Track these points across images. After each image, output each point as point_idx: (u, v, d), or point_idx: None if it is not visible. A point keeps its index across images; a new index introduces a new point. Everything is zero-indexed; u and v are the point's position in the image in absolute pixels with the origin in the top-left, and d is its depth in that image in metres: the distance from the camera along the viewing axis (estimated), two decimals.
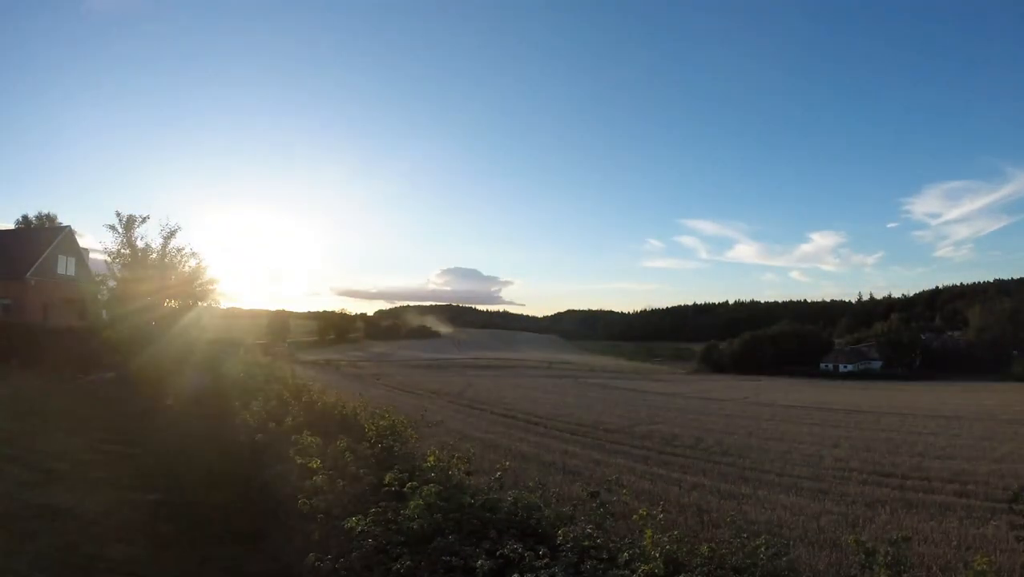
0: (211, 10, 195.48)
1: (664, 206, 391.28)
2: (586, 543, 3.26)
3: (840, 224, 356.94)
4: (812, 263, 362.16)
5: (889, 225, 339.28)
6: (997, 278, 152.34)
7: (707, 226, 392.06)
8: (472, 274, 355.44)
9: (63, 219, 55.66)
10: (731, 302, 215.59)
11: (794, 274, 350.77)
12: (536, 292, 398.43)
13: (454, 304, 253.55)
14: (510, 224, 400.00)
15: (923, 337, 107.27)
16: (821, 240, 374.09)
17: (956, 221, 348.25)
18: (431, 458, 4.70)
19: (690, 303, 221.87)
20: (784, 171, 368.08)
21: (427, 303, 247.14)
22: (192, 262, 22.44)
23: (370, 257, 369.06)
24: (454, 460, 4.81)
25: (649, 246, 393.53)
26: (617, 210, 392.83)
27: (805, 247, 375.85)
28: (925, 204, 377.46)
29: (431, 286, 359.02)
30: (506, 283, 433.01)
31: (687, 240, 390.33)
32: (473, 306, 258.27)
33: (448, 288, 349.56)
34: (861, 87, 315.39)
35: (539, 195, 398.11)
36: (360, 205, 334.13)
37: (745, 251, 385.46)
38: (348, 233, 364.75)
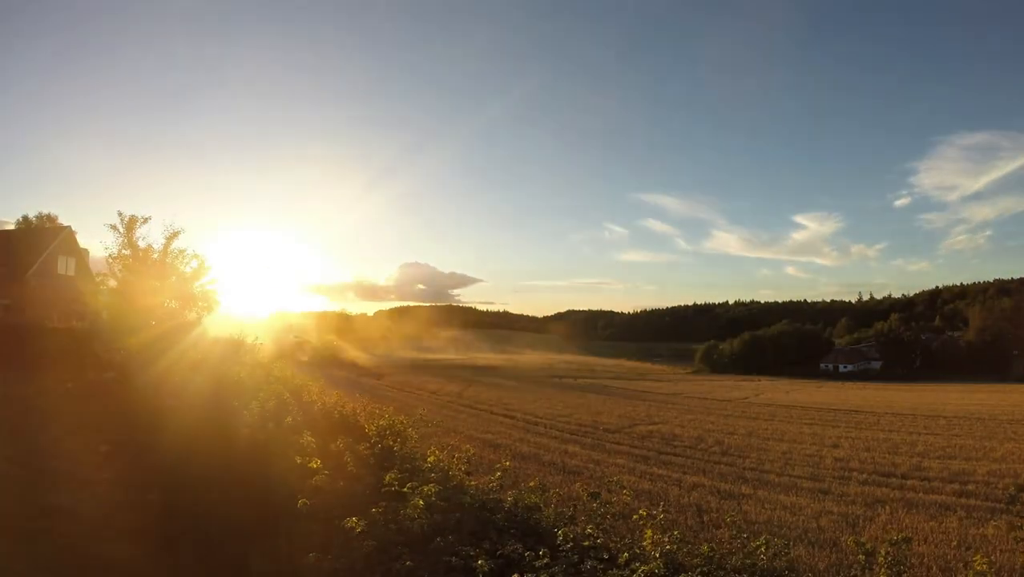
0: (209, 10, 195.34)
1: (618, 178, 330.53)
2: (586, 543, 3.27)
3: (834, 202, 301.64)
4: (808, 255, 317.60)
5: (897, 203, 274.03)
6: (997, 278, 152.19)
7: (672, 203, 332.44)
8: (432, 270, 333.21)
9: (63, 219, 55.62)
10: (731, 302, 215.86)
11: (790, 269, 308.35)
12: (502, 291, 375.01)
13: (456, 304, 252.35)
14: (474, 222, 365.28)
15: (923, 337, 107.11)
16: (815, 225, 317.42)
17: (975, 199, 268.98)
18: (431, 458, 4.71)
19: (690, 303, 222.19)
20: (758, 129, 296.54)
21: (391, 304, 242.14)
22: (194, 263, 22.42)
23: (323, 252, 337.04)
24: (454, 460, 4.82)
25: (611, 233, 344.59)
26: (569, 189, 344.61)
27: (797, 236, 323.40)
28: (937, 172, 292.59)
29: (390, 282, 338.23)
30: (472, 280, 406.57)
31: (655, 225, 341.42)
32: (474, 306, 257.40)
33: (407, 284, 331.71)
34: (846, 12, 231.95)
35: (493, 187, 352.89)
36: (315, 200, 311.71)
37: (727, 240, 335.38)
38: (302, 228, 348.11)
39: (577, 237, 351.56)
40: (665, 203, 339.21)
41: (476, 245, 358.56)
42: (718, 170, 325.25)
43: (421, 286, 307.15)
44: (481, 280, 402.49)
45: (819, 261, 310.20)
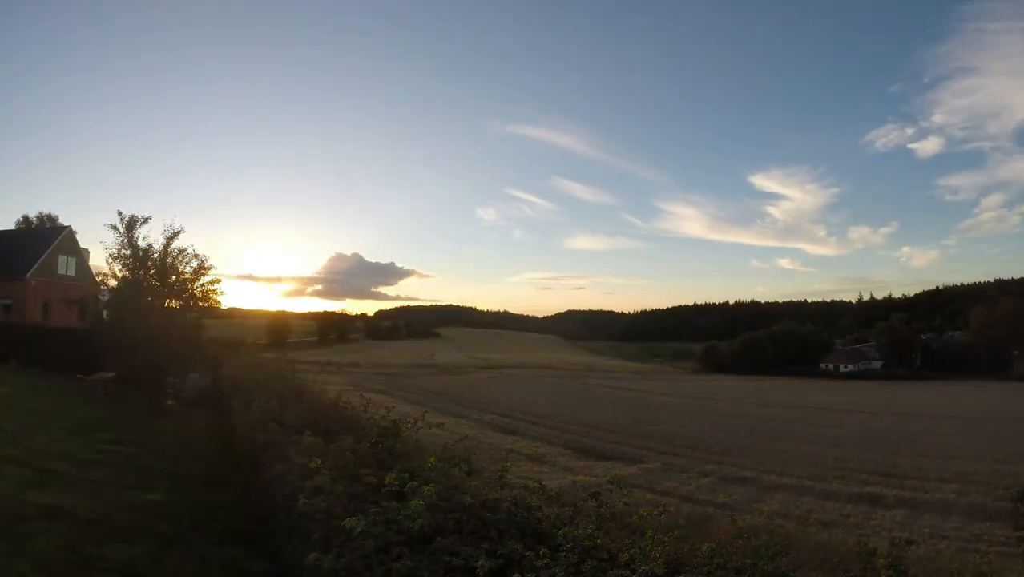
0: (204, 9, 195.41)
1: (489, 108, 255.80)
2: (586, 543, 3.26)
3: (810, 145, 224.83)
4: (796, 240, 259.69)
5: (912, 148, 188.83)
6: (998, 278, 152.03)
7: (573, 144, 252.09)
8: (365, 263, 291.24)
9: (63, 219, 55.79)
10: (731, 302, 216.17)
11: (784, 262, 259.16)
12: (441, 286, 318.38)
13: (440, 303, 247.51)
14: (410, 214, 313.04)
15: (923, 337, 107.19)
16: (797, 194, 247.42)
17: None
18: (431, 458, 4.69)
19: (690, 303, 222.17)
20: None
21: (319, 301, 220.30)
22: (194, 263, 22.44)
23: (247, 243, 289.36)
24: (454, 460, 4.81)
25: (533, 208, 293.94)
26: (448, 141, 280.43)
27: (775, 211, 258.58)
28: (966, 85, 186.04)
29: (317, 274, 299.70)
30: (407, 272, 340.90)
31: (573, 189, 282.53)
32: (474, 306, 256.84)
33: (334, 277, 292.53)
34: None
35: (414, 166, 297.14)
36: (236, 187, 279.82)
37: (685, 216, 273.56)
38: (291, 228, 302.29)
39: (486, 215, 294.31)
40: (566, 143, 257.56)
41: (405, 232, 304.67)
42: (622, 87, 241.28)
43: (346, 278, 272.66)
44: (427, 275, 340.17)
45: (814, 251, 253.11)
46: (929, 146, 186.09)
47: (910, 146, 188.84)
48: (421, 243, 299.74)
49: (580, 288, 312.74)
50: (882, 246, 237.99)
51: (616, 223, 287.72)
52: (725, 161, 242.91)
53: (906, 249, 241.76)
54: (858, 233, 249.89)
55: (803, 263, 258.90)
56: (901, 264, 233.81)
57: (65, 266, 37.35)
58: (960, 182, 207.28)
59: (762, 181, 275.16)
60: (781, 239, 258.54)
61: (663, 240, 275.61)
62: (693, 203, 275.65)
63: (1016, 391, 53.16)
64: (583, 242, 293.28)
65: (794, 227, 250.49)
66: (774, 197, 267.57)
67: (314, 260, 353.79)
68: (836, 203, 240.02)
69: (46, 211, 56.14)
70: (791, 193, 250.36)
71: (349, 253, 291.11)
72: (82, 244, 39.48)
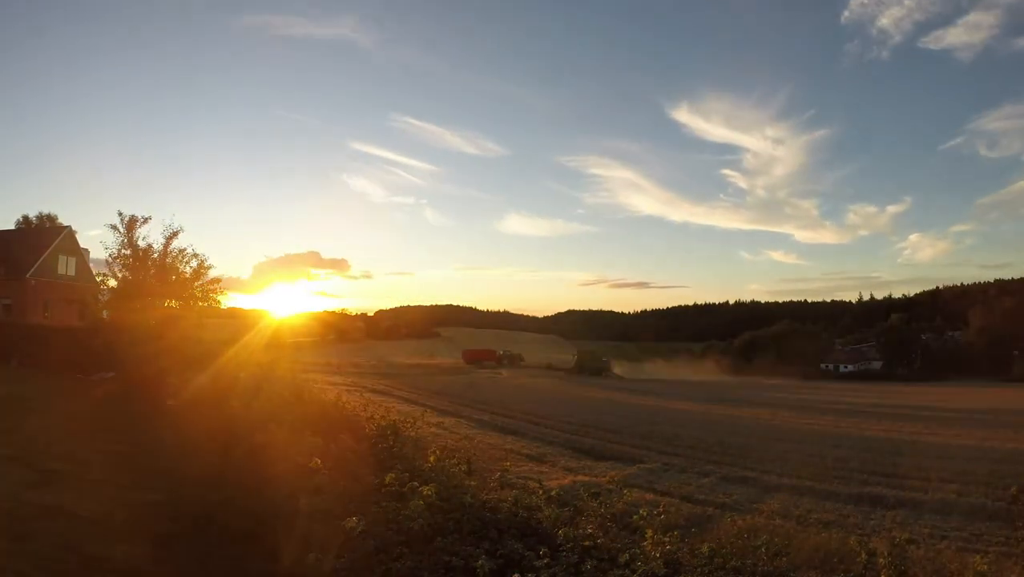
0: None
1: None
2: (586, 543, 3.27)
3: (766, 42, 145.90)
4: (789, 224, 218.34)
5: (940, 45, 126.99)
6: (998, 278, 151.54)
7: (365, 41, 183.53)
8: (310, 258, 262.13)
9: (63, 219, 55.79)
10: (731, 302, 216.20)
11: (776, 255, 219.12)
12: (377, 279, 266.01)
13: (455, 304, 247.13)
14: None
15: (923, 337, 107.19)
16: (754, 142, 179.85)
17: None
18: (431, 458, 4.71)
19: (690, 303, 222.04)
20: None
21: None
22: (193, 263, 22.50)
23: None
24: (454, 460, 4.82)
25: (407, 180, 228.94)
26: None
27: (734, 173, 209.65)
28: None
29: (255, 273, 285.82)
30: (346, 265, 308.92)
31: (440, 137, 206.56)
32: (473, 306, 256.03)
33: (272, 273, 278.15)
34: None
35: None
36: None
37: (628, 184, 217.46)
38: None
39: (363, 185, 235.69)
40: (362, 45, 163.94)
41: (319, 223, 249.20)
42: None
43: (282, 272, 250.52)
44: (343, 259, 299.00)
45: (806, 237, 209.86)
46: (971, 34, 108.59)
47: (929, 43, 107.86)
48: (334, 235, 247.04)
49: (523, 282, 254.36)
50: (890, 231, 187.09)
51: (544, 197, 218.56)
52: (621, 76, 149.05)
53: (914, 237, 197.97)
54: (861, 214, 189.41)
55: (798, 255, 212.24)
56: (906, 257, 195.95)
57: (65, 266, 37.39)
58: (1003, 124, 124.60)
59: (691, 119, 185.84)
60: (762, 220, 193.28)
61: (615, 223, 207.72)
62: (619, 156, 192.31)
63: (1016, 391, 53.17)
64: (515, 224, 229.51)
65: (772, 203, 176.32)
66: (727, 151, 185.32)
67: (247, 259, 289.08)
68: (823, 161, 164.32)
69: (46, 211, 56.19)
70: (746, 142, 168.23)
71: (275, 253, 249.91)
72: (82, 244, 39.57)
